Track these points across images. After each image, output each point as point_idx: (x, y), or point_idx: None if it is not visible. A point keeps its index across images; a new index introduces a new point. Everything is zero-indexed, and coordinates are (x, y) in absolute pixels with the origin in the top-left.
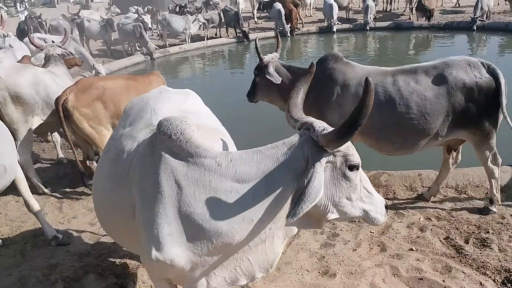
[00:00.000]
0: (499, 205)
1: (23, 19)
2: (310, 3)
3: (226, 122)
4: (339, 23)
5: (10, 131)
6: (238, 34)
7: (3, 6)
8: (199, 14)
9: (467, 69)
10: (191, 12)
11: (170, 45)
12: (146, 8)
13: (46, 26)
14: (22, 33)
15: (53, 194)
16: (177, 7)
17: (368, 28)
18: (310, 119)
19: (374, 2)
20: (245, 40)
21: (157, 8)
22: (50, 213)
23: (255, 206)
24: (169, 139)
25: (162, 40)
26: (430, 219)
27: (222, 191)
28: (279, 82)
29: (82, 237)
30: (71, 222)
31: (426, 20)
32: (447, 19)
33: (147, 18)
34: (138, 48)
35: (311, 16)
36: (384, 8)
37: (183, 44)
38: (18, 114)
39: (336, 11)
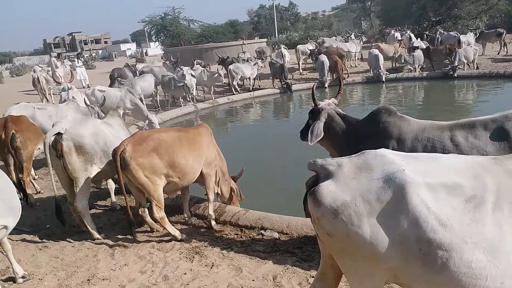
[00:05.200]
0: None
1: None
2: (355, 54)
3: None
4: (387, 73)
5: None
6: (283, 85)
7: (69, 61)
8: (259, 60)
9: None
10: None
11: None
12: (196, 61)
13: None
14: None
15: (106, 240)
16: (221, 60)
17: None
18: None
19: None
20: (288, 91)
21: (207, 62)
22: (103, 260)
23: None
24: None
25: (233, 88)
26: None
27: None
28: (311, 144)
29: (132, 285)
30: (122, 269)
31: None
32: (498, 68)
33: (186, 71)
34: (189, 99)
35: (356, 66)
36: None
37: (231, 95)
38: (79, 163)
39: (381, 62)
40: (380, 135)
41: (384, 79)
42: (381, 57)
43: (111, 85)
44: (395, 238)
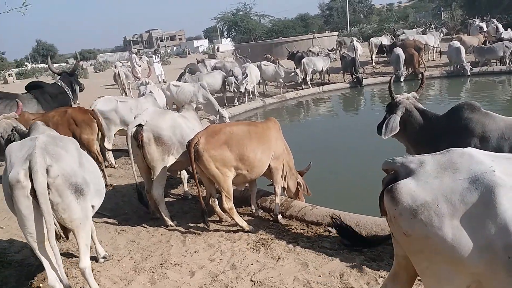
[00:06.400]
0: None
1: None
2: (433, 47)
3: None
4: (471, 67)
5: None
6: (354, 80)
7: (146, 57)
8: (330, 53)
9: None
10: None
11: (287, 91)
12: (265, 55)
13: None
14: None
15: (178, 227)
16: (290, 54)
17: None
18: None
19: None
20: (358, 85)
21: (276, 56)
22: (175, 246)
23: None
24: None
25: (303, 82)
26: None
27: None
28: (384, 138)
29: (202, 272)
30: (192, 256)
31: None
32: None
33: (237, 71)
34: (258, 95)
35: (433, 60)
36: None
37: (299, 89)
38: (158, 153)
39: (463, 55)
40: (462, 132)
41: (469, 73)
42: (463, 50)
43: (179, 79)
44: (480, 243)
